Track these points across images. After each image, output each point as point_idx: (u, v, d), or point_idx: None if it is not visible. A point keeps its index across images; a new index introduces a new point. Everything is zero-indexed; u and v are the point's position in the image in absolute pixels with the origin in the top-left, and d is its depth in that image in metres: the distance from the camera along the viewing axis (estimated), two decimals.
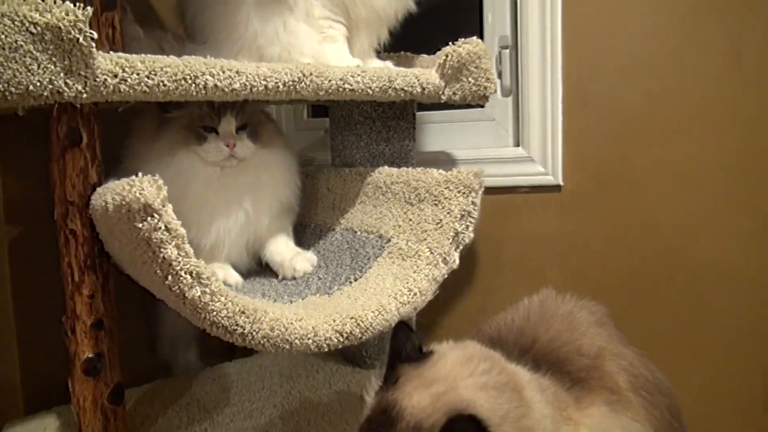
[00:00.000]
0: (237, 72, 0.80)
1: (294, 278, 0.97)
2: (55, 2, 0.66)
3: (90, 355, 0.83)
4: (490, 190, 1.37)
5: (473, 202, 0.87)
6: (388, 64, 1.12)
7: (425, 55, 1.23)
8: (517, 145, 1.40)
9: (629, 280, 1.31)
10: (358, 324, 0.75)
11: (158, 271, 0.64)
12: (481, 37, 1.46)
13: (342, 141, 1.15)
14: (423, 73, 0.99)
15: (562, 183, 1.34)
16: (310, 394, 1.08)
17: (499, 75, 1.43)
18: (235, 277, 0.96)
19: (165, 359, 1.22)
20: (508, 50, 1.40)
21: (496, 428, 0.54)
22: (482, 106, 1.44)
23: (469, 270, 1.44)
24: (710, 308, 1.26)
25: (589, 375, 0.66)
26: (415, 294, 0.82)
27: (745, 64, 1.18)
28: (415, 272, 0.84)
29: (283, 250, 1.01)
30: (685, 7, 1.21)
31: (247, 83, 0.81)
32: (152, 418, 1.00)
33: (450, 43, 1.07)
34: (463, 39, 1.04)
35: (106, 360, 0.85)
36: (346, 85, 0.90)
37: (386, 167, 1.04)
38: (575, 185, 1.34)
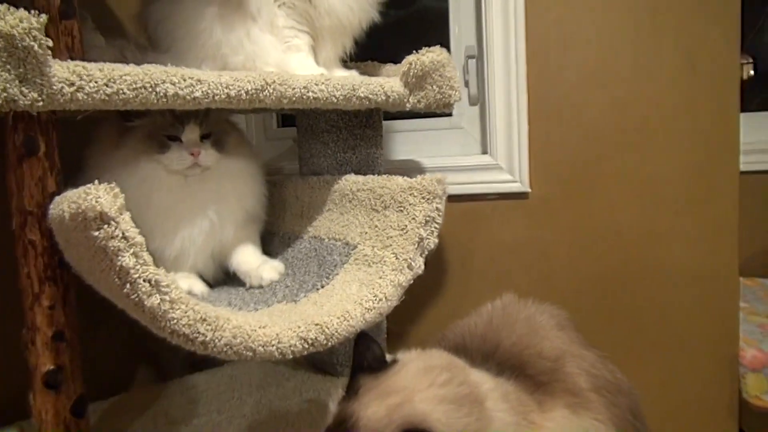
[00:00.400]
0: (198, 80, 0.80)
1: (261, 287, 0.96)
2: (8, 10, 0.66)
3: (51, 368, 0.81)
4: (458, 198, 1.40)
5: (437, 208, 0.88)
6: (354, 73, 1.12)
7: (391, 65, 1.24)
8: (485, 152, 1.42)
9: (594, 285, 1.33)
10: (323, 330, 0.75)
11: (116, 280, 0.64)
12: (447, 46, 1.48)
13: (309, 150, 1.16)
14: (387, 82, 0.99)
15: (529, 190, 1.36)
16: (280, 403, 1.07)
17: (466, 84, 1.45)
18: (200, 287, 0.95)
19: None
20: (474, 60, 1.43)
21: None
22: (448, 114, 1.46)
23: (439, 277, 1.45)
24: (671, 311, 1.29)
25: (551, 378, 0.67)
26: (380, 300, 0.82)
27: (699, 70, 1.22)
28: (380, 278, 0.84)
29: (249, 258, 1.01)
30: (642, 19, 1.24)
31: (208, 91, 0.81)
32: None
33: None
34: (426, 48, 1.05)
35: (67, 372, 0.83)
36: (310, 94, 0.90)
37: (352, 175, 1.04)
38: (542, 192, 1.36)
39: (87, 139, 0.94)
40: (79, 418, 0.85)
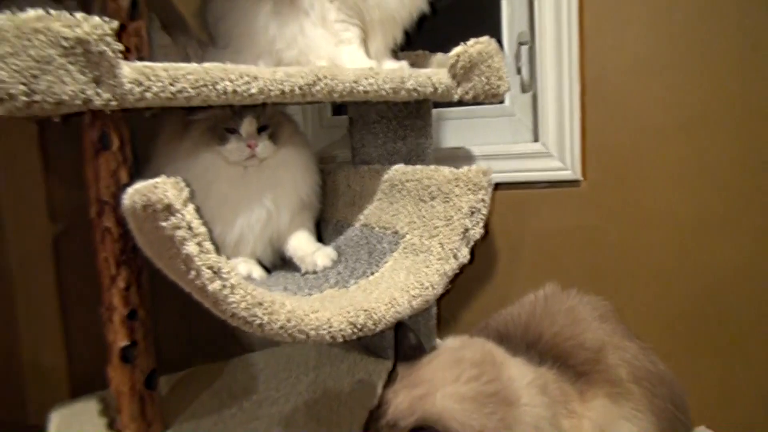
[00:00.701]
0: (254, 77, 0.85)
1: (315, 272, 1.01)
2: (84, 18, 0.72)
3: (126, 343, 0.90)
4: (509, 186, 1.41)
5: (482, 199, 0.90)
6: (404, 64, 1.15)
7: (441, 54, 1.25)
8: (536, 140, 1.42)
9: (646, 275, 1.32)
10: (371, 316, 0.79)
11: (182, 266, 0.70)
12: (500, 32, 1.48)
13: (360, 139, 1.19)
14: (435, 74, 1.02)
15: (580, 178, 1.35)
16: (333, 383, 1.13)
17: (519, 71, 1.45)
18: (258, 271, 1.01)
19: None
20: (527, 46, 1.42)
21: None
22: (500, 102, 1.47)
23: (489, 264, 1.47)
24: (725, 302, 1.26)
25: (592, 368, 0.68)
26: (426, 288, 0.85)
27: (760, 58, 1.18)
28: (426, 267, 0.88)
29: (304, 245, 1.06)
30: (698, 6, 1.21)
31: (264, 87, 0.86)
32: (185, 403, 1.07)
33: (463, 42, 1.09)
34: (474, 39, 1.06)
35: (141, 347, 0.91)
36: (360, 87, 0.93)
37: (401, 165, 1.07)
38: (593, 180, 1.35)
39: (154, 131, 1.02)
40: (151, 390, 0.93)
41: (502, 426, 0.59)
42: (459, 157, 1.47)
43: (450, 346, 0.69)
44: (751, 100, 1.20)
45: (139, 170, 0.91)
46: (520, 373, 0.65)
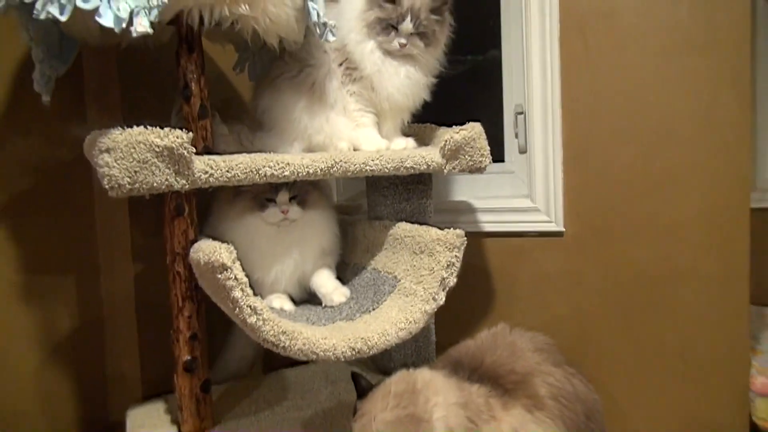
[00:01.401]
0: (287, 164, 1.14)
1: (332, 306, 1.29)
2: (170, 131, 1.03)
3: (188, 358, 1.19)
4: (504, 234, 1.67)
5: (456, 256, 1.16)
6: (410, 141, 1.42)
7: (444, 128, 1.52)
8: (528, 196, 1.67)
9: (621, 314, 1.53)
10: (366, 343, 1.06)
11: (230, 304, 0.99)
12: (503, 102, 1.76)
13: (374, 200, 1.47)
14: (428, 153, 1.29)
15: (563, 229, 1.59)
16: (347, 396, 1.39)
17: (516, 135, 1.71)
18: (289, 305, 1.29)
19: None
20: (522, 115, 1.68)
21: None
22: (500, 161, 1.73)
23: (487, 300, 1.71)
24: (688, 341, 1.46)
25: (517, 387, 0.93)
26: (410, 323, 1.11)
27: (715, 130, 1.39)
28: (412, 306, 1.14)
29: (326, 283, 1.32)
30: (664, 84, 1.43)
31: (294, 171, 1.15)
32: (230, 406, 1.35)
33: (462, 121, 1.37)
34: (459, 126, 1.33)
35: (199, 361, 1.20)
36: (367, 167, 1.22)
37: (403, 223, 1.34)
38: (575, 231, 1.58)
39: (212, 197, 1.33)
40: (205, 394, 1.22)
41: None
42: (461, 210, 1.74)
43: (387, 381, 0.96)
44: (708, 165, 1.41)
45: (201, 224, 1.22)
46: (441, 395, 0.91)
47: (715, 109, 1.38)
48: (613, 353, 1.55)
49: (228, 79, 1.65)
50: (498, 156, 1.76)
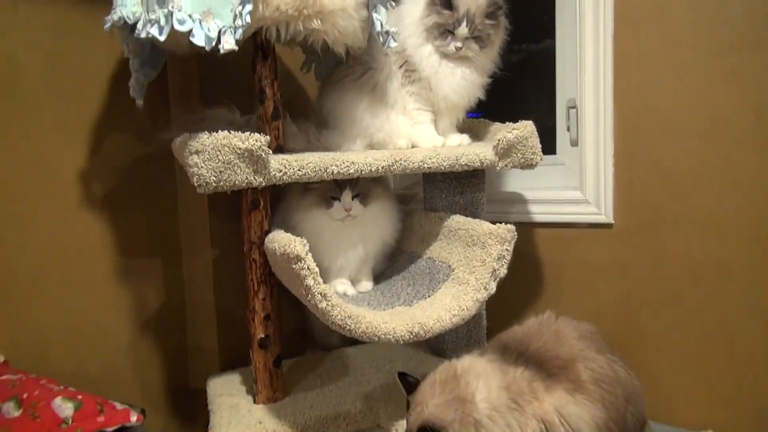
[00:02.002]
0: (352, 162, 1.25)
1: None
2: (249, 135, 1.16)
3: (262, 336, 1.33)
4: (555, 225, 1.74)
5: (507, 249, 1.24)
6: (465, 138, 1.51)
7: (498, 123, 1.60)
8: (578, 188, 1.73)
9: (668, 306, 1.58)
10: (423, 328, 1.17)
11: (303, 291, 1.12)
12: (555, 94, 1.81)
13: (430, 192, 1.57)
14: (482, 151, 1.37)
15: (613, 222, 1.65)
16: None
17: (568, 129, 1.77)
18: (351, 290, 1.42)
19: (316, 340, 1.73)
20: (574, 109, 1.73)
21: (448, 428, 0.95)
22: (553, 153, 1.79)
23: (536, 288, 1.79)
24: (736, 333, 1.49)
25: (560, 372, 1.02)
26: (463, 310, 1.21)
27: (765, 127, 1.42)
28: (465, 294, 1.24)
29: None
30: (716, 82, 1.45)
31: (358, 169, 1.26)
32: (299, 380, 1.48)
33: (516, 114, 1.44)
34: (513, 125, 1.41)
35: (272, 339, 1.33)
36: (425, 165, 1.32)
37: (457, 215, 1.43)
38: (624, 224, 1.63)
39: (283, 193, 1.46)
40: (277, 368, 1.36)
41: (464, 415, 0.97)
42: (513, 200, 1.81)
43: (432, 374, 1.08)
44: (754, 161, 1.42)
45: (273, 217, 1.35)
46: (482, 378, 1.02)
47: (765, 108, 1.40)
48: (659, 340, 1.60)
49: (295, 77, 1.77)
50: (549, 148, 1.83)
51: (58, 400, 1.01)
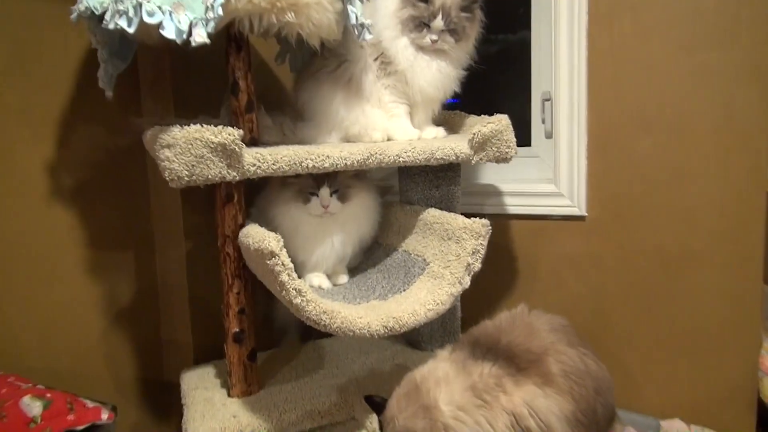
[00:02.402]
0: (327, 156, 1.25)
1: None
2: (223, 128, 1.14)
3: (237, 330, 1.33)
4: (529, 217, 1.76)
5: (481, 244, 1.25)
6: (440, 130, 1.51)
7: (473, 116, 1.61)
8: (552, 181, 1.75)
9: (638, 294, 1.62)
10: (398, 322, 1.17)
11: (277, 287, 1.11)
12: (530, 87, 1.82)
13: (406, 185, 1.57)
14: (458, 145, 1.37)
15: (586, 214, 1.67)
16: (378, 366, 1.52)
17: (543, 121, 1.78)
18: (327, 284, 1.42)
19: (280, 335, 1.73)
20: (550, 101, 1.75)
21: None
22: (527, 145, 1.81)
23: (511, 279, 1.81)
24: (702, 320, 1.54)
25: (531, 366, 1.04)
26: (438, 304, 1.22)
27: (734, 124, 1.45)
28: (440, 289, 1.25)
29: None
30: (686, 79, 1.48)
31: (333, 162, 1.25)
32: (273, 372, 1.49)
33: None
34: (488, 118, 1.42)
35: (246, 333, 1.34)
36: (401, 159, 1.31)
37: (432, 209, 1.44)
38: (596, 216, 1.66)
39: (259, 187, 1.45)
40: (252, 362, 1.36)
41: (432, 422, 1.00)
42: (488, 192, 1.83)
43: (395, 390, 1.11)
44: (724, 156, 1.47)
45: (249, 207, 1.34)
46: (443, 383, 1.05)
47: (734, 103, 1.43)
48: (629, 331, 1.64)
49: (269, 68, 1.75)
50: (525, 139, 1.84)
51: (26, 399, 1.00)
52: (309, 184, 1.32)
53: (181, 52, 1.44)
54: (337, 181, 1.34)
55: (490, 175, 1.88)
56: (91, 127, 1.48)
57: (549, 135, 1.77)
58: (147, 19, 1.01)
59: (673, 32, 1.49)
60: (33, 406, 0.99)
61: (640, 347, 1.63)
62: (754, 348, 1.50)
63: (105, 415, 1.07)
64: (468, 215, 1.32)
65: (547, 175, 1.78)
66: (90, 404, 1.07)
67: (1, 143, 1.35)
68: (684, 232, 1.54)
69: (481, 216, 1.29)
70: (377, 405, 1.12)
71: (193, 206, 1.62)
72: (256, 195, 1.46)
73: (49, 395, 1.03)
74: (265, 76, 1.75)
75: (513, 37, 2.07)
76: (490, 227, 1.26)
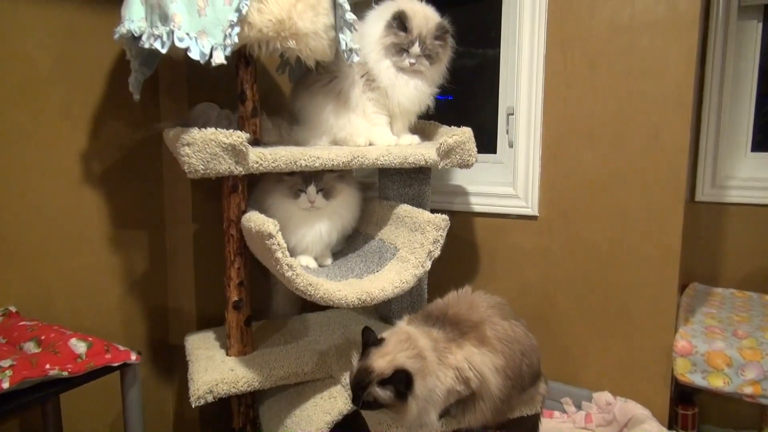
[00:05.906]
0: (317, 157, 1.50)
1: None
2: (232, 132, 1.40)
3: (236, 299, 1.58)
4: (490, 215, 2.03)
5: (441, 234, 1.52)
6: (415, 138, 1.77)
7: (446, 126, 1.87)
8: (511, 184, 2.02)
9: (580, 282, 1.89)
10: (369, 295, 1.43)
11: (273, 263, 1.37)
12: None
13: (384, 183, 1.83)
14: (427, 152, 1.64)
15: (537, 214, 1.95)
16: (353, 337, 1.76)
17: (507, 132, 2.05)
18: (314, 264, 1.68)
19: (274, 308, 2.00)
20: (513, 115, 2.01)
21: (415, 375, 1.21)
22: (493, 152, 2.07)
23: (474, 268, 2.08)
24: (630, 307, 1.82)
25: (471, 331, 1.31)
26: (403, 283, 1.48)
27: (661, 142, 1.72)
28: (405, 271, 1.51)
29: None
30: (621, 105, 1.74)
31: (322, 162, 1.50)
32: (265, 338, 1.74)
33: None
34: (454, 130, 1.68)
35: (244, 302, 1.58)
36: (379, 162, 1.57)
37: (405, 205, 1.69)
38: (546, 216, 1.93)
39: (258, 180, 1.70)
40: (248, 327, 1.60)
41: (424, 367, 1.23)
42: (457, 192, 2.10)
43: (392, 333, 1.32)
44: (654, 168, 1.73)
45: (248, 199, 1.60)
46: (423, 340, 1.28)
47: (661, 124, 1.70)
48: (570, 313, 1.92)
49: (271, 76, 2.01)
50: (494, 147, 2.11)
51: (73, 341, 1.26)
52: (299, 182, 1.58)
53: (196, 61, 1.70)
54: (323, 181, 1.60)
55: (461, 177, 2.14)
56: (117, 124, 1.73)
57: (511, 144, 2.04)
58: (177, 44, 1.26)
59: (614, 62, 1.76)
60: (79, 346, 1.24)
61: (579, 328, 1.91)
62: (671, 332, 1.77)
63: (134, 357, 1.33)
64: (438, 211, 1.57)
65: (508, 180, 2.05)
66: (121, 348, 1.33)
67: (46, 134, 1.59)
68: (617, 232, 1.82)
69: (450, 213, 1.56)
70: (372, 338, 1.31)
71: (201, 192, 1.88)
72: (252, 187, 1.71)
73: (90, 339, 1.29)
74: (266, 82, 2.00)
75: (492, 52, 2.32)
76: (448, 221, 1.53)
